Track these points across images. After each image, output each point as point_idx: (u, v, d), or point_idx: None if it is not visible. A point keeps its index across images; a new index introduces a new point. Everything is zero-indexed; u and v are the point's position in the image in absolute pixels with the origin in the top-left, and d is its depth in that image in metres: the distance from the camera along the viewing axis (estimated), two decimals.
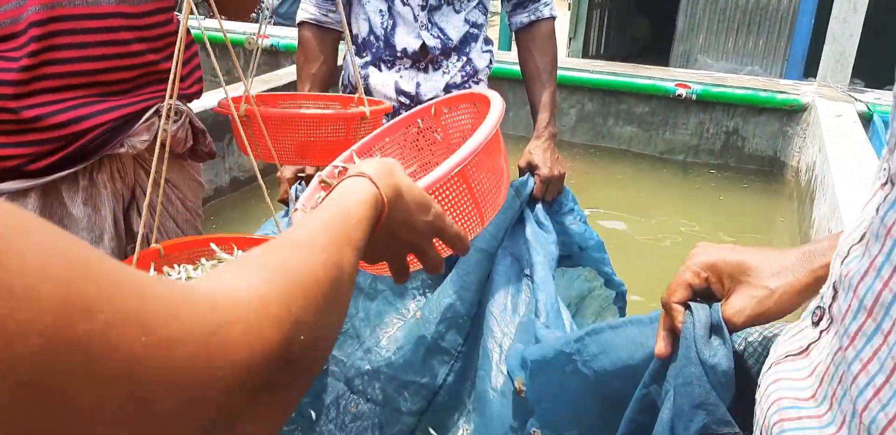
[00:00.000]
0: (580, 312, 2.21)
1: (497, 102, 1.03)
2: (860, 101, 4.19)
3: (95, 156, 1.23)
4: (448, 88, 1.86)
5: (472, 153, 0.91)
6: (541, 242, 1.79)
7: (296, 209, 0.81)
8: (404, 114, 1.25)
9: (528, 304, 1.57)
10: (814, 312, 0.63)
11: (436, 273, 0.79)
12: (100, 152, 1.23)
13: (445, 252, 0.86)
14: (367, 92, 1.87)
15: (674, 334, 0.85)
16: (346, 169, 1.11)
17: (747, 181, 4.37)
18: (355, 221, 0.58)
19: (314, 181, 1.07)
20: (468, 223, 0.96)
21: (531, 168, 1.85)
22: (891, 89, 0.87)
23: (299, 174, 1.87)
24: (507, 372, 1.29)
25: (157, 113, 1.27)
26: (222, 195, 3.82)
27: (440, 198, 0.90)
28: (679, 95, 4.52)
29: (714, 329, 0.80)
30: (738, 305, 0.78)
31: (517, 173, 1.87)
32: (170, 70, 1.28)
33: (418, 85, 1.84)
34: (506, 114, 1.03)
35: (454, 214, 0.93)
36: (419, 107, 1.25)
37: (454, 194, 0.92)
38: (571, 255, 1.95)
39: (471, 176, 0.92)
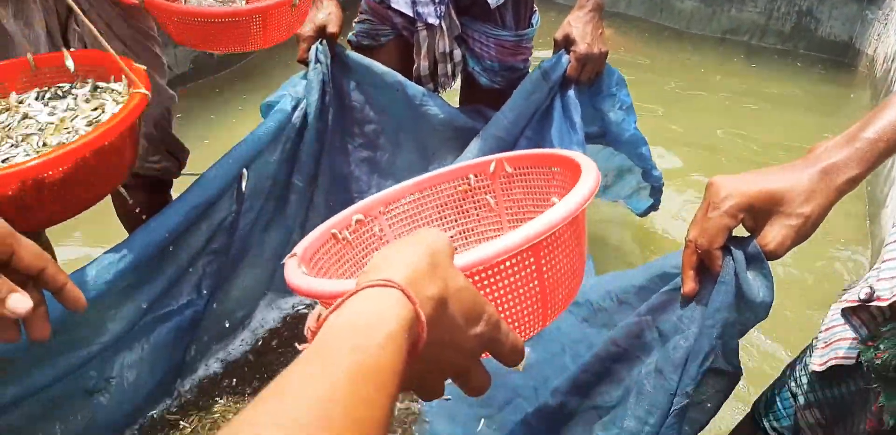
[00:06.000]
0: (616, 186, 2.11)
1: (591, 168, 0.79)
2: None
3: None
4: None
5: (557, 223, 0.67)
6: (565, 144, 1.60)
7: (309, 328, 0.60)
8: (453, 166, 0.99)
9: None
10: None
11: (481, 395, 0.59)
12: None
13: None
14: None
15: (701, 273, 0.90)
16: (363, 221, 0.93)
17: (816, 70, 4.03)
18: (388, 366, 0.43)
19: (321, 229, 0.87)
20: (525, 322, 0.72)
21: (567, 43, 1.63)
22: None
23: (320, 33, 1.68)
24: None
25: None
26: (248, 57, 3.63)
27: (495, 282, 0.67)
28: None
29: (752, 263, 0.85)
30: (778, 236, 0.82)
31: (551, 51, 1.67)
32: None
33: None
34: None
35: (507, 309, 0.70)
36: (477, 159, 0.98)
37: (516, 279, 0.68)
38: (608, 135, 1.77)
39: (547, 256, 0.69)
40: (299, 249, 0.81)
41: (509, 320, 0.70)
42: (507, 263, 0.66)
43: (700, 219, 0.86)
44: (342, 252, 0.89)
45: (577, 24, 1.62)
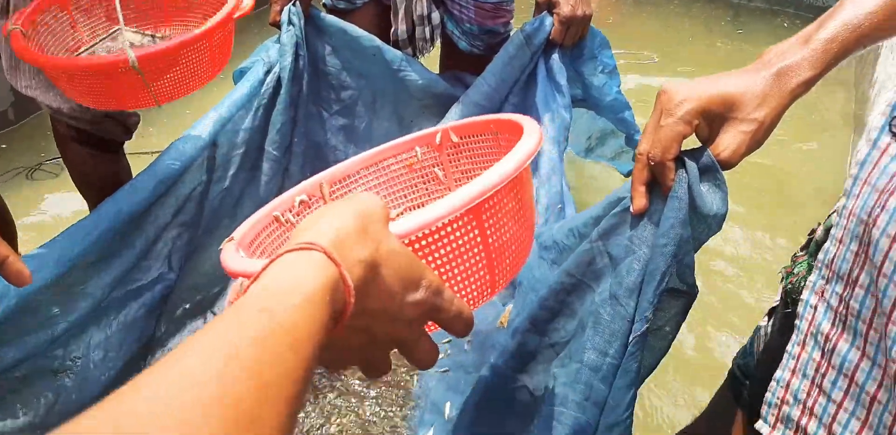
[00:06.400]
0: (599, 148, 2.07)
1: (533, 130, 0.76)
2: None
3: None
4: None
5: (496, 183, 0.63)
6: (551, 108, 1.54)
7: (230, 302, 0.57)
8: (398, 139, 0.95)
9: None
10: (891, 124, 0.66)
11: (427, 368, 0.56)
12: None
13: None
14: None
15: (650, 188, 0.84)
16: (307, 203, 0.87)
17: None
18: (304, 327, 0.40)
19: (262, 212, 0.81)
20: (473, 290, 0.68)
21: (550, 5, 1.56)
22: None
23: None
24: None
25: None
26: None
27: (437, 249, 0.63)
28: None
29: (705, 174, 0.80)
30: (732, 144, 0.78)
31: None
32: None
33: None
34: None
35: (454, 277, 0.66)
36: (420, 132, 0.96)
37: (460, 244, 0.64)
38: (589, 99, 1.72)
39: (491, 218, 0.65)
40: (237, 233, 0.76)
41: (456, 289, 0.67)
42: (449, 229, 0.63)
43: (652, 129, 0.80)
44: (286, 236, 0.84)
45: None
